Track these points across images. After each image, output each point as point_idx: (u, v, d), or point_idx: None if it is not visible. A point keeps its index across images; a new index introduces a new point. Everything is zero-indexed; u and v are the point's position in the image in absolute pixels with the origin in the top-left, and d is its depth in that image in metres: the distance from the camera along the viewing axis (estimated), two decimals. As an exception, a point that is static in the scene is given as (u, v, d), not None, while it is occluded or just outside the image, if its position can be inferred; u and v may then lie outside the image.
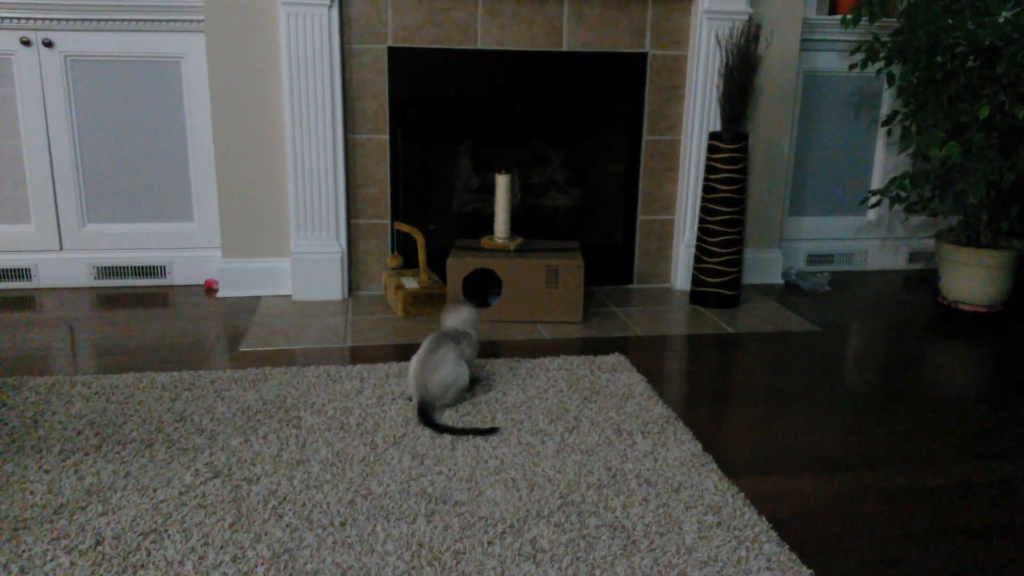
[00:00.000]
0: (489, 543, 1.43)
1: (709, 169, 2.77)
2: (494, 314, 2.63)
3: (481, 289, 2.68)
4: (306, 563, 1.36)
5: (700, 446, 1.79)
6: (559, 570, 1.36)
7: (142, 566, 1.34)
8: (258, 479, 1.62)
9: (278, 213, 2.86)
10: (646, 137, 2.98)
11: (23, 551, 1.37)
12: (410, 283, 2.71)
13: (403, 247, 2.91)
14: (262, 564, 1.36)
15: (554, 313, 2.63)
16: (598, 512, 1.53)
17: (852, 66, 3.01)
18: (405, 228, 2.71)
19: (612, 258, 3.07)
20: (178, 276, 2.98)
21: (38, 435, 1.78)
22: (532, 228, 3.02)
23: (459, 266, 2.60)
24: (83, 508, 1.50)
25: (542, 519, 1.51)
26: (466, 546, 1.42)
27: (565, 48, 2.85)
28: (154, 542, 1.41)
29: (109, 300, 2.81)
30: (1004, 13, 2.63)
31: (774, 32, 2.94)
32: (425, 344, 1.98)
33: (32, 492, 1.55)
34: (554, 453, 1.75)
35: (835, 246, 3.38)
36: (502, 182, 2.71)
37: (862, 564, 1.41)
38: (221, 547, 1.40)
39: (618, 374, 2.18)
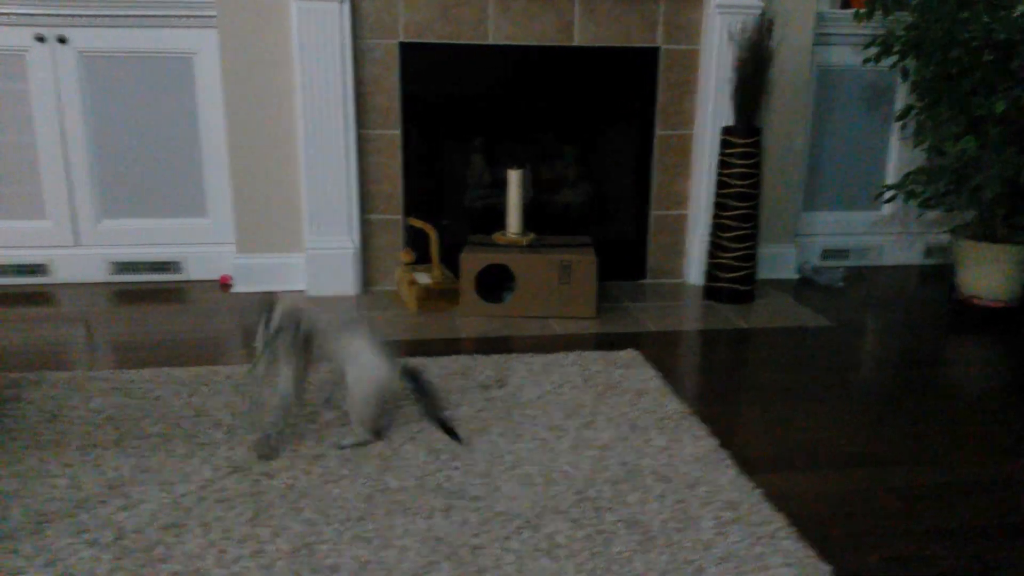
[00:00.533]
0: (506, 538, 1.44)
1: (723, 164, 2.76)
2: (508, 309, 2.63)
3: (495, 284, 2.68)
4: (325, 557, 1.37)
5: (716, 442, 1.79)
6: (576, 565, 1.37)
7: (163, 560, 1.36)
8: (276, 474, 1.63)
9: (292, 209, 2.87)
10: (658, 132, 2.97)
11: (48, 544, 1.39)
12: (423, 278, 2.71)
13: (416, 243, 2.92)
14: (282, 558, 1.37)
15: (567, 308, 2.63)
16: (614, 508, 1.54)
17: (866, 60, 2.99)
18: (418, 224, 2.71)
19: (625, 253, 3.07)
20: (193, 271, 3.00)
21: (58, 430, 1.80)
22: (544, 224, 3.02)
23: (472, 261, 2.61)
24: (104, 502, 1.52)
25: (559, 514, 1.51)
26: (483, 541, 1.43)
27: (576, 43, 2.85)
28: (175, 536, 1.42)
29: (125, 296, 2.83)
30: (1020, 7, 2.61)
31: (787, 26, 2.92)
32: (355, 339, 1.72)
33: (54, 486, 1.57)
34: (570, 449, 1.75)
35: (850, 241, 3.37)
36: (514, 178, 2.71)
37: (881, 561, 1.41)
38: (241, 541, 1.41)
39: (632, 370, 2.18)
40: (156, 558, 1.36)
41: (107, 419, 1.85)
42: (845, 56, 3.17)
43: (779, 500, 1.59)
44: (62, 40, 2.75)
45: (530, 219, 2.94)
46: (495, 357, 2.25)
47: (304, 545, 1.40)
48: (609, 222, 3.12)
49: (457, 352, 2.31)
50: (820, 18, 3.05)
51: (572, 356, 2.27)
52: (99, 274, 2.96)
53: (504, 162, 2.95)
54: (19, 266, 2.92)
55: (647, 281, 3.10)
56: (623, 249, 3.07)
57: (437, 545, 1.41)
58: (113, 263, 2.95)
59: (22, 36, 2.74)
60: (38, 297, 2.80)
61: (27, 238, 2.90)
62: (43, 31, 2.74)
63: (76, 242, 2.93)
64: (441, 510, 1.52)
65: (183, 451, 1.71)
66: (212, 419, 1.86)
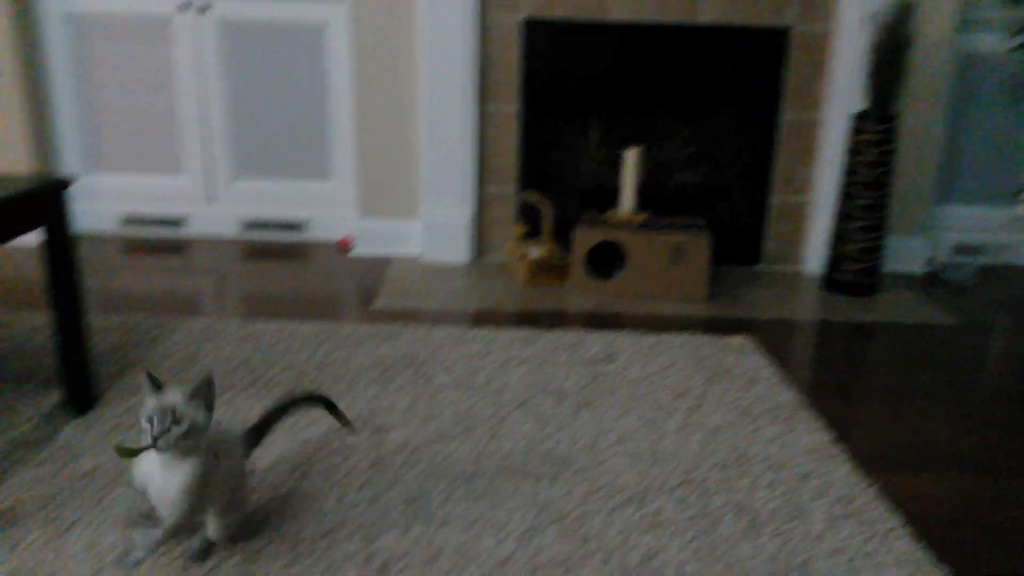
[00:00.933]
0: (611, 511, 1.46)
1: (852, 151, 2.65)
2: (618, 287, 2.63)
3: (606, 262, 2.68)
4: (438, 509, 1.43)
5: (830, 436, 1.74)
6: (680, 544, 1.37)
7: (288, 497, 1.45)
8: (392, 428, 1.70)
9: (411, 177, 2.95)
10: (785, 115, 2.87)
11: (187, 475, 1.51)
12: (535, 252, 2.74)
13: (528, 217, 2.95)
14: (398, 507, 1.44)
15: (678, 290, 2.60)
16: (721, 492, 1.53)
17: (1014, 48, 2.79)
18: (532, 198, 2.74)
19: (741, 238, 3.00)
20: (316, 232, 3.14)
21: (194, 373, 1.94)
22: (658, 204, 2.99)
23: (585, 237, 2.61)
24: (236, 441, 1.63)
25: (664, 493, 1.52)
26: (588, 510, 1.45)
27: (701, 21, 2.78)
28: (302, 476, 1.52)
29: (253, 251, 2.99)
30: None
31: (929, 9, 2.76)
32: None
33: (192, 423, 1.70)
34: (677, 429, 1.75)
35: (985, 237, 3.17)
36: (630, 157, 2.69)
37: (1002, 574, 1.35)
38: (360, 488, 1.49)
39: (744, 356, 2.15)
40: (283, 496, 1.46)
41: (238, 365, 1.98)
42: (991, 42, 2.96)
43: (894, 500, 1.54)
44: (203, 9, 2.91)
45: (644, 198, 2.91)
46: (603, 333, 2.26)
47: (418, 496, 1.47)
48: (725, 205, 3.05)
49: (565, 326, 2.34)
50: (965, 1, 2.86)
51: (682, 338, 2.25)
52: (230, 230, 3.14)
53: (620, 140, 2.93)
54: (160, 218, 3.13)
55: (762, 267, 3.02)
56: (739, 233, 3.00)
57: (544, 510, 1.45)
58: (243, 221, 3.13)
59: (167, 4, 2.91)
60: (175, 248, 3.00)
61: (168, 192, 3.11)
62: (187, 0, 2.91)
63: (211, 199, 3.12)
64: (548, 477, 1.55)
65: (307, 400, 1.81)
66: (333, 373, 1.95)
